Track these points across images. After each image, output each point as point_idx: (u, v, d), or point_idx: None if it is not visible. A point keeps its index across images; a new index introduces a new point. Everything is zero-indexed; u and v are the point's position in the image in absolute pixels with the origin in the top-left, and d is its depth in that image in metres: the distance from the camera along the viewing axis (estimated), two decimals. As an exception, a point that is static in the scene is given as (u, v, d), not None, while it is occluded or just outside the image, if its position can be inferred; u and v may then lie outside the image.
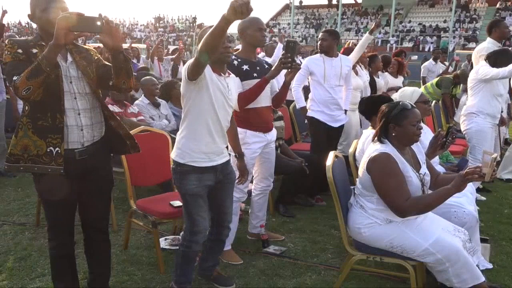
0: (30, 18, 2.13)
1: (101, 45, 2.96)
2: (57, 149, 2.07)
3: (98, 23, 1.92)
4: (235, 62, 2.99)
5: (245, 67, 3.01)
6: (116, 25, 2.00)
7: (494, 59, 4.26)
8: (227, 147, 2.62)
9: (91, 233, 2.40)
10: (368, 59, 5.65)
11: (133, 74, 2.20)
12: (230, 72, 2.63)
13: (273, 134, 3.26)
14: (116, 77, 2.14)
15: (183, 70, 2.38)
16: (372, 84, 5.53)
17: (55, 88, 2.04)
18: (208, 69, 2.38)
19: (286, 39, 3.23)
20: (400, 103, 2.47)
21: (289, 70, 2.93)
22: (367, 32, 5.16)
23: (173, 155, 2.50)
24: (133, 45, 11.67)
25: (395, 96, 3.46)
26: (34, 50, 2.05)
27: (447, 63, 8.82)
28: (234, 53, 3.11)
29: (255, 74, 3.03)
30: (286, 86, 3.09)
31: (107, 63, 2.23)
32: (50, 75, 1.92)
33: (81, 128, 2.15)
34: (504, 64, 4.16)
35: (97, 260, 2.45)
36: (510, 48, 5.89)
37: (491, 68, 4.20)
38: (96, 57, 2.26)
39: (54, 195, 2.17)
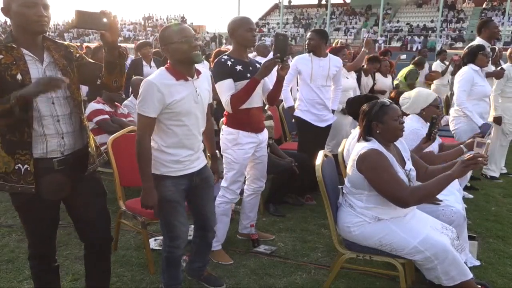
0: (3, 13, 1.85)
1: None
2: (26, 166, 1.90)
3: (105, 20, 1.83)
4: (229, 63, 2.95)
5: (238, 67, 2.97)
6: (115, 18, 1.89)
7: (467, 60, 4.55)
8: (204, 150, 2.58)
9: (89, 248, 2.26)
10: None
11: (125, 72, 2.10)
12: (200, 71, 2.42)
13: (265, 134, 3.24)
14: (109, 74, 2.01)
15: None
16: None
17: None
18: (166, 92, 2.20)
19: (275, 32, 3.18)
20: (379, 100, 2.52)
21: (281, 65, 2.85)
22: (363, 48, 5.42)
23: None
24: (121, 44, 11.58)
25: (410, 95, 3.40)
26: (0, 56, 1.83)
27: (447, 62, 8.66)
28: (227, 53, 3.07)
29: (248, 75, 2.99)
30: (280, 82, 3.04)
31: (92, 61, 2.11)
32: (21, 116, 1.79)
33: (61, 136, 1.98)
34: (469, 61, 4.49)
35: (95, 278, 2.32)
36: (495, 48, 5.99)
37: (462, 93, 4.42)
38: (77, 55, 2.08)
39: (29, 211, 2.02)
